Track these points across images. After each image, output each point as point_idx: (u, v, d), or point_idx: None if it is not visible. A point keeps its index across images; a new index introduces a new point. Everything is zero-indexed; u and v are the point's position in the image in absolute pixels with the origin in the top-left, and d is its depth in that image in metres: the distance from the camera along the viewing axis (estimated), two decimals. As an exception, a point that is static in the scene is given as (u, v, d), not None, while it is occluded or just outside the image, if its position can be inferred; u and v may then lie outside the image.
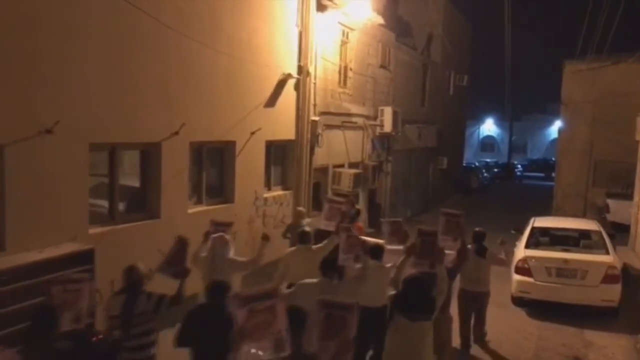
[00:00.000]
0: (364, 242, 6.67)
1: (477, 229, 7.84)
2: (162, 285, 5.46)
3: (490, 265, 7.73)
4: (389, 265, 6.42)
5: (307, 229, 7.51)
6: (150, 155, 7.96)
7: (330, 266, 5.75)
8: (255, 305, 3.83)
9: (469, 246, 7.33)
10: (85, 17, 6.53)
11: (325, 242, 7.11)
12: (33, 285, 5.55)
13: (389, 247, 6.82)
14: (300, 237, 7.18)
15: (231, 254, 6.59)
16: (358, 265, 6.30)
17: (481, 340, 7.96)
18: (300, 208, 10.30)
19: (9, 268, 5.45)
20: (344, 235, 6.60)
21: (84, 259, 6.18)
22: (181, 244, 6.00)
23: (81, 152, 6.65)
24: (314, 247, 7.07)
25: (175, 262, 5.88)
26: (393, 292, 5.34)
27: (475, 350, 7.91)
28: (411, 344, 4.91)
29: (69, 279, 4.98)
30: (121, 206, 7.65)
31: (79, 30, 6.47)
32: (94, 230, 6.95)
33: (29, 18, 5.89)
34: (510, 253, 8.59)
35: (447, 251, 6.30)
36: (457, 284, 7.58)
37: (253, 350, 3.78)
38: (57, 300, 4.64)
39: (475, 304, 7.77)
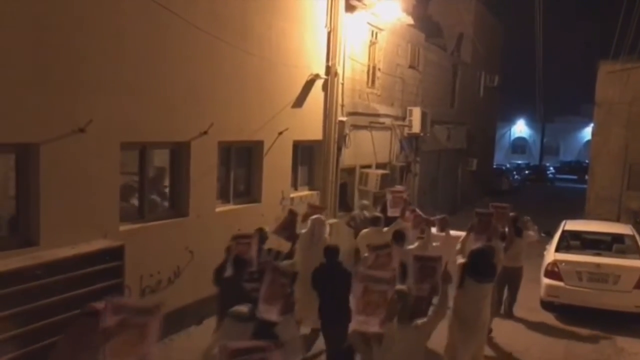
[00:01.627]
0: (427, 219, 8.53)
1: (511, 213, 8.90)
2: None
3: (525, 244, 8.98)
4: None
5: (378, 214, 9.02)
6: (179, 155, 8.08)
7: (401, 236, 7.31)
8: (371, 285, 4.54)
9: (507, 229, 8.51)
10: (119, 19, 6.68)
11: (393, 224, 8.36)
12: (66, 280, 5.71)
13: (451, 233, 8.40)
14: (372, 221, 8.62)
15: (327, 232, 7.91)
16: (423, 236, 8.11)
17: (510, 313, 9.22)
18: (365, 202, 11.15)
19: (42, 263, 5.60)
20: (411, 215, 8.66)
21: (115, 255, 6.32)
22: (292, 215, 8.04)
23: (113, 150, 6.79)
24: (384, 229, 8.29)
25: (288, 228, 7.80)
26: (462, 261, 6.52)
27: (501, 354, 7.81)
28: (477, 302, 6.07)
29: (241, 235, 6.64)
30: (151, 204, 7.78)
31: (112, 31, 6.61)
32: (124, 227, 7.09)
33: (64, 20, 6.04)
34: (536, 231, 9.46)
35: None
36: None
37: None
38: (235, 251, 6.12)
39: (510, 277, 8.81)
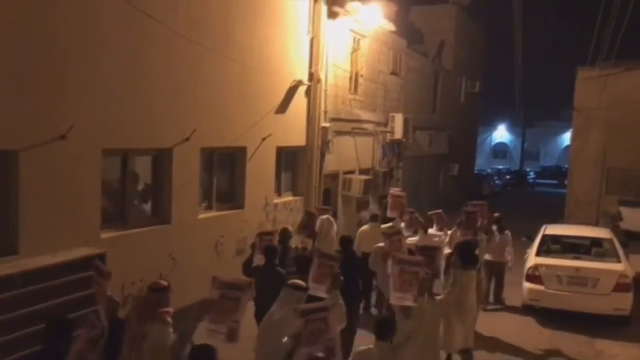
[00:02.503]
0: (422, 223, 9.48)
1: (496, 214, 9.85)
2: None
3: (509, 241, 10.12)
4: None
5: (376, 212, 10.35)
6: (161, 161, 8.05)
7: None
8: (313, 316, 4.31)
9: (493, 227, 9.68)
10: (100, 25, 6.65)
11: (391, 223, 9.39)
12: (46, 289, 5.64)
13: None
14: (371, 218, 9.71)
15: (334, 231, 9.21)
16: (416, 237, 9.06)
17: (500, 302, 10.20)
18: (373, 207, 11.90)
19: (22, 271, 5.52)
20: (407, 216, 9.46)
21: (96, 263, 6.25)
22: (309, 215, 9.24)
23: (94, 157, 6.74)
24: (382, 226, 9.14)
25: (307, 227, 8.96)
26: (449, 251, 7.42)
27: (482, 357, 7.88)
28: (463, 287, 6.74)
29: (265, 232, 7.14)
30: (132, 211, 7.72)
31: (93, 38, 6.58)
32: (106, 234, 7.03)
33: (45, 27, 6.00)
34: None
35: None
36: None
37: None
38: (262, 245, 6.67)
39: (495, 271, 10.05)
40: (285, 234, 7.47)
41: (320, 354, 3.90)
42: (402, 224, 9.39)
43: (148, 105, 7.46)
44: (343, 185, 13.32)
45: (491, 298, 10.20)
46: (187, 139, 8.13)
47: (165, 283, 4.67)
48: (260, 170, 10.12)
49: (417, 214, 9.69)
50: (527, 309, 9.87)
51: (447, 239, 8.63)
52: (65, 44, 6.25)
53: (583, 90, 19.15)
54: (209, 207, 9.17)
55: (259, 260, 6.60)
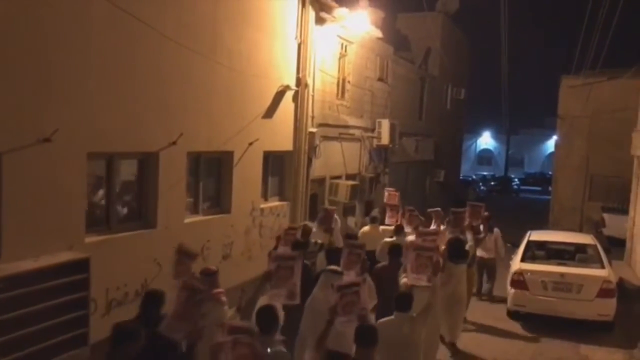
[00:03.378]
0: (421, 219, 10.33)
1: (486, 213, 10.14)
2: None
3: (498, 239, 11.03)
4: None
5: (376, 214, 11.05)
6: (147, 165, 7.97)
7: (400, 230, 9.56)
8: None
9: (481, 226, 9.91)
10: (86, 27, 6.57)
11: (392, 226, 10.09)
12: (28, 294, 5.55)
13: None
14: (371, 219, 10.69)
15: (338, 228, 9.97)
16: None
17: (490, 296, 11.08)
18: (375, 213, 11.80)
19: (4, 276, 5.42)
20: (407, 214, 10.39)
21: (80, 267, 6.16)
22: (327, 212, 9.84)
23: (79, 160, 6.65)
24: (381, 227, 10.36)
25: (325, 222, 9.49)
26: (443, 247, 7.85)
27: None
28: (453, 280, 7.61)
29: (290, 227, 8.21)
30: (117, 215, 7.64)
31: (79, 39, 6.50)
32: (90, 239, 6.93)
33: (30, 28, 5.92)
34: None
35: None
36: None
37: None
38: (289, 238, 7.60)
39: (487, 267, 11.06)
40: (306, 230, 8.72)
41: (342, 351, 4.41)
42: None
43: (134, 109, 7.40)
44: (330, 191, 13.32)
45: (484, 289, 11.24)
46: (174, 143, 8.06)
47: (214, 268, 5.81)
48: (247, 175, 10.07)
49: (417, 212, 10.49)
50: (512, 315, 9.93)
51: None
52: (52, 46, 6.17)
53: (567, 98, 19.41)
54: (195, 212, 9.10)
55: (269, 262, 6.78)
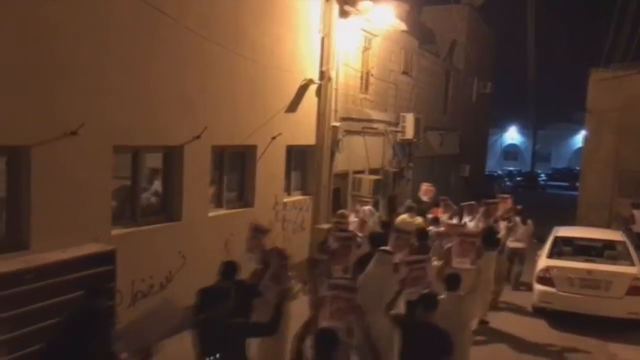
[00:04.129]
0: (455, 208, 11.47)
1: (518, 206, 11.33)
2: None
3: (530, 231, 11.36)
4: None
5: (411, 204, 11.85)
6: (172, 159, 8.04)
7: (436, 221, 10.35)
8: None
9: (516, 218, 10.85)
10: (109, 21, 6.64)
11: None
12: (56, 284, 5.65)
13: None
14: (406, 209, 11.50)
15: (375, 218, 10.79)
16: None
17: (517, 282, 11.29)
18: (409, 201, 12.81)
19: (33, 267, 5.54)
20: (442, 203, 11.62)
21: (106, 259, 6.26)
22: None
23: (105, 154, 6.74)
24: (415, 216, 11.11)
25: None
26: None
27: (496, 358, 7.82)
28: (485, 264, 7.77)
29: (340, 215, 9.89)
30: (143, 208, 7.73)
31: (103, 34, 6.57)
32: (116, 231, 7.03)
33: (54, 23, 6.01)
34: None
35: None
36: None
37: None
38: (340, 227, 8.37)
39: (516, 256, 11.17)
40: (341, 215, 9.95)
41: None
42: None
43: (159, 103, 7.46)
44: (353, 185, 13.27)
45: (513, 275, 11.33)
46: (198, 137, 8.11)
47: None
48: (270, 169, 10.09)
49: (450, 201, 11.49)
50: (538, 312, 9.78)
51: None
52: (77, 41, 6.25)
53: (596, 92, 18.98)
54: (218, 205, 9.16)
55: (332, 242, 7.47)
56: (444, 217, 10.61)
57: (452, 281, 6.09)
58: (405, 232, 7.37)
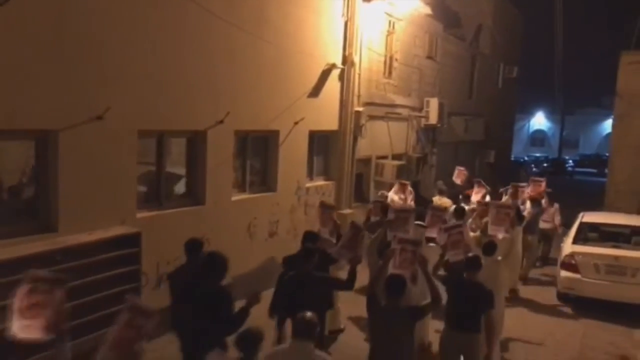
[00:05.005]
0: (488, 188, 11.86)
1: (549, 190, 11.75)
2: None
3: (557, 212, 11.95)
4: None
5: (442, 187, 12.32)
6: (196, 143, 8.13)
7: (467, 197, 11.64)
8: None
9: (543, 201, 11.35)
10: (137, 6, 6.72)
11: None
12: (84, 265, 5.79)
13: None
14: (439, 192, 11.96)
15: (412, 198, 11.23)
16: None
17: (546, 258, 11.93)
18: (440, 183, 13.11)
19: (61, 248, 5.69)
20: (476, 184, 11.82)
21: (132, 242, 6.39)
22: (402, 184, 11.35)
23: (130, 138, 6.86)
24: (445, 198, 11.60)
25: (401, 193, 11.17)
26: None
27: (517, 345, 7.78)
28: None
29: (378, 199, 9.96)
30: (167, 192, 7.85)
31: (129, 19, 6.65)
32: (142, 214, 7.16)
33: (81, 9, 6.10)
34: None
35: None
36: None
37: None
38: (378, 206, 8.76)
39: (545, 236, 11.74)
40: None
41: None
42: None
43: (183, 87, 7.53)
44: (375, 171, 13.25)
45: (541, 252, 11.95)
46: (221, 122, 8.18)
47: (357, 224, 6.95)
48: (293, 154, 10.13)
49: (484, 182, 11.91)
50: (562, 298, 9.69)
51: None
52: (103, 25, 6.34)
53: (626, 75, 18.48)
54: (242, 190, 9.25)
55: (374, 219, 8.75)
56: (477, 197, 11.18)
57: (489, 248, 6.86)
58: (439, 209, 8.12)
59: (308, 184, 10.79)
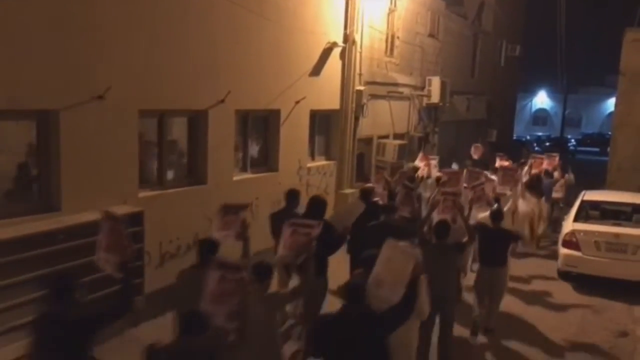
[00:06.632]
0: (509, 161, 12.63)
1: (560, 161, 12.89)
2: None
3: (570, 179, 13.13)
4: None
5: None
6: (197, 123, 8.12)
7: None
8: None
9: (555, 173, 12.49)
10: (135, -15, 6.66)
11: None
12: (87, 244, 5.82)
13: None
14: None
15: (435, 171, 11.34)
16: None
17: (558, 225, 11.64)
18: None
19: (64, 227, 5.73)
20: (497, 158, 12.61)
21: (135, 221, 6.41)
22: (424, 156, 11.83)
23: (131, 117, 6.85)
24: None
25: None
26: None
27: (517, 321, 7.85)
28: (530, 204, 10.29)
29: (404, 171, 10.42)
30: (169, 171, 7.86)
31: (129, -2, 6.61)
32: (144, 194, 7.19)
33: (81, -14, 6.05)
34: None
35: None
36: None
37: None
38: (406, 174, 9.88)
39: (555, 204, 12.71)
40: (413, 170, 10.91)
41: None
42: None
43: (184, 67, 7.50)
44: (377, 150, 13.23)
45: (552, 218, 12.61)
46: (222, 101, 8.17)
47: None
48: (294, 134, 10.12)
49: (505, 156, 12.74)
50: (563, 275, 9.75)
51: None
52: (104, 5, 6.30)
53: (630, 52, 18.31)
54: (243, 170, 9.26)
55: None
56: (503, 164, 11.81)
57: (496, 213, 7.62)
58: (453, 172, 9.71)
59: (310, 164, 10.80)
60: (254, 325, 4.13)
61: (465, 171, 9.62)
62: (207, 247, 5.04)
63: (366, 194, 7.84)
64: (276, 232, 6.03)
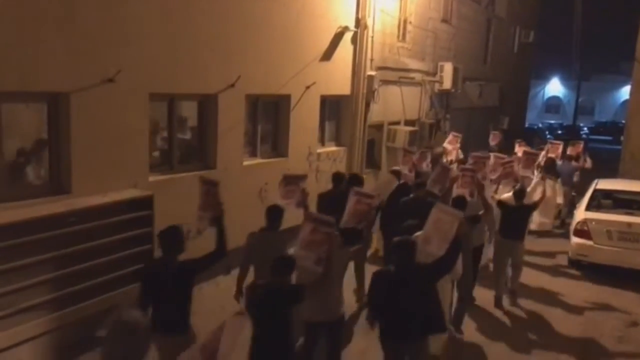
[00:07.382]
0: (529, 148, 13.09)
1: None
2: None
3: (577, 168, 13.12)
4: None
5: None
6: (207, 107, 8.09)
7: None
8: None
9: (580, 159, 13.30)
10: (145, -33, 6.60)
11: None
12: (97, 227, 5.85)
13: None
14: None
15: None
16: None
17: (573, 204, 12.22)
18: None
19: (75, 210, 5.73)
20: (517, 145, 13.48)
21: (144, 204, 6.42)
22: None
23: (141, 101, 6.83)
24: None
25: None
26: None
27: (527, 309, 7.82)
28: (548, 187, 9.94)
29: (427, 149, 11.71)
30: (179, 156, 7.85)
31: (139, -20, 6.55)
32: (154, 177, 7.19)
33: (91, -32, 6.01)
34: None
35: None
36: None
37: None
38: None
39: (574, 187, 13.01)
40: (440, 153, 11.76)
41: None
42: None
43: (194, 51, 7.46)
44: (388, 137, 13.14)
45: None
46: (232, 85, 8.12)
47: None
48: (304, 119, 10.06)
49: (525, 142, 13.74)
50: (574, 264, 9.68)
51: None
52: (112, -14, 6.26)
53: (646, 39, 18.00)
54: (253, 155, 9.24)
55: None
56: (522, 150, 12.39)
57: (519, 193, 8.04)
58: (482, 157, 9.71)
59: (319, 150, 10.75)
60: (334, 267, 4.98)
61: (492, 156, 10.12)
62: (274, 213, 5.88)
63: (396, 173, 8.97)
64: (322, 211, 6.60)
